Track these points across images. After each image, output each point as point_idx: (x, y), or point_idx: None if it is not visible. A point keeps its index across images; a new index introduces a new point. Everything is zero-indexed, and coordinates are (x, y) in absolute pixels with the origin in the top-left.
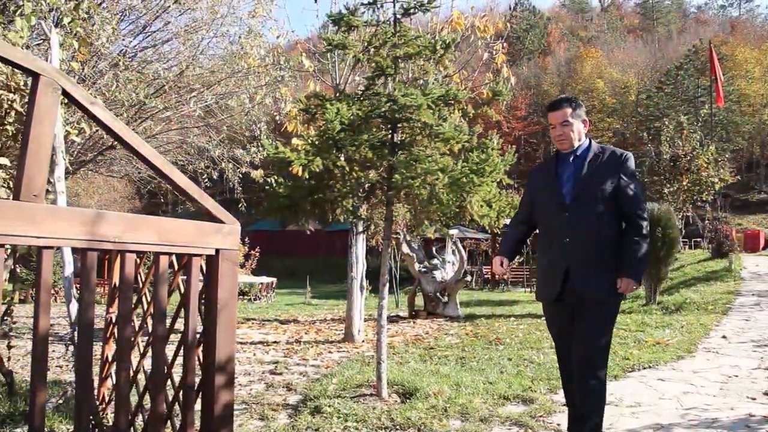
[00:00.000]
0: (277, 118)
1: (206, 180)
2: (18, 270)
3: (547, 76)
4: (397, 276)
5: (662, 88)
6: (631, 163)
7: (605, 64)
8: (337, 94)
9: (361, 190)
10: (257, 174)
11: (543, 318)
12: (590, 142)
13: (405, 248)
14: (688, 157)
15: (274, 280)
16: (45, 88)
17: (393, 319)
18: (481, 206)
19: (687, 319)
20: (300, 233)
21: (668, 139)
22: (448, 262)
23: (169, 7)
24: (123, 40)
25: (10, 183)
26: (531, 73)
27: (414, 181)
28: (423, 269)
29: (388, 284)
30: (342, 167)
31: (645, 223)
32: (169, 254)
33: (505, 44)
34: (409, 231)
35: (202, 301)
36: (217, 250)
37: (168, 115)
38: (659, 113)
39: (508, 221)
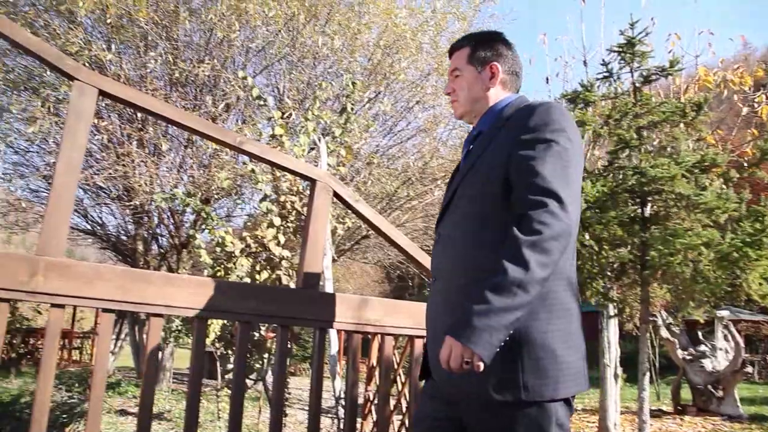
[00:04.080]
0: None
1: None
2: (290, 346)
3: None
4: (657, 364)
5: None
6: (543, 117)
7: None
8: None
9: (610, 270)
10: None
11: None
12: (514, 101)
13: (664, 332)
14: None
15: None
16: (320, 191)
17: (655, 414)
18: (761, 284)
19: None
20: None
21: None
22: (720, 349)
23: (413, 107)
24: (374, 140)
25: (290, 272)
26: None
27: (673, 258)
28: (688, 357)
29: (648, 373)
30: (590, 246)
31: (542, 219)
32: (423, 337)
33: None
34: (670, 313)
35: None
36: None
37: (413, 204)
38: None
39: None
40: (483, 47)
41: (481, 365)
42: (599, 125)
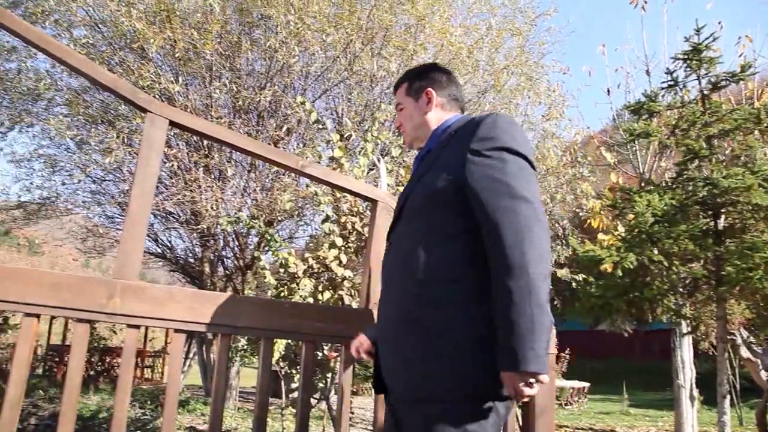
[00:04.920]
0: (580, 214)
1: None
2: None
3: None
4: (737, 385)
5: None
6: (493, 127)
7: None
8: (643, 185)
9: (682, 286)
10: (563, 273)
11: None
12: (459, 119)
13: (744, 352)
14: None
15: (587, 385)
16: (381, 211)
17: None
18: None
19: None
20: (611, 333)
21: None
22: None
23: None
24: None
25: (352, 291)
26: None
27: (753, 274)
28: None
29: (728, 396)
30: (659, 262)
31: (515, 241)
32: None
33: None
34: (750, 331)
35: (519, 405)
36: None
37: None
38: None
39: None
40: (418, 78)
41: (542, 377)
42: (665, 136)
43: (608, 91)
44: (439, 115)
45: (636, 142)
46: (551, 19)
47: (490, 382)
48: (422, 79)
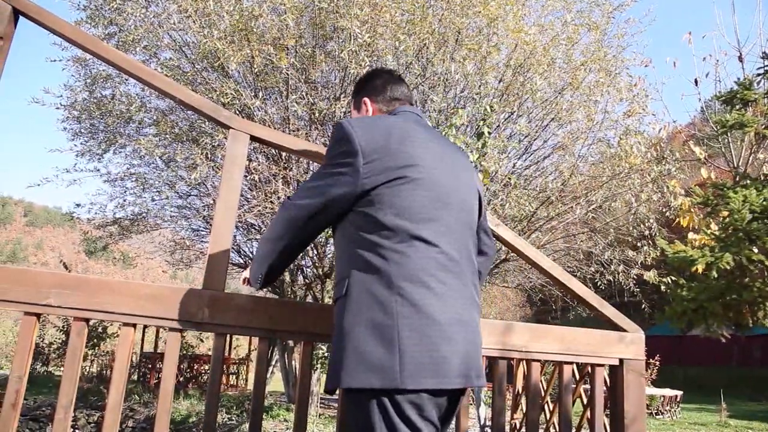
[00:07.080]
0: (667, 213)
1: (598, 285)
2: None
3: None
4: None
5: None
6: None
7: None
8: (738, 179)
9: None
10: (651, 275)
11: None
12: None
13: None
14: None
15: (680, 393)
16: None
17: None
18: None
19: None
20: (706, 339)
21: None
22: None
23: (548, 125)
24: (509, 161)
25: None
26: None
27: None
28: None
29: None
30: (759, 262)
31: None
32: (572, 363)
33: None
34: None
35: (606, 412)
36: (621, 360)
37: (553, 224)
38: None
39: None
40: (358, 90)
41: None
42: (762, 126)
43: (696, 81)
44: None
45: (729, 134)
46: (630, 10)
47: (359, 374)
48: (361, 89)
